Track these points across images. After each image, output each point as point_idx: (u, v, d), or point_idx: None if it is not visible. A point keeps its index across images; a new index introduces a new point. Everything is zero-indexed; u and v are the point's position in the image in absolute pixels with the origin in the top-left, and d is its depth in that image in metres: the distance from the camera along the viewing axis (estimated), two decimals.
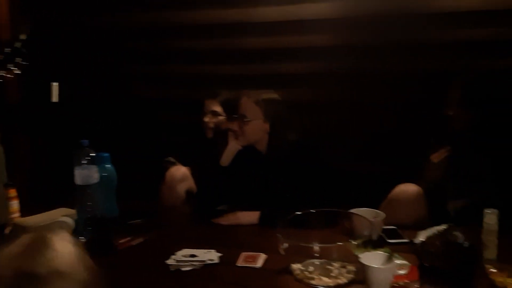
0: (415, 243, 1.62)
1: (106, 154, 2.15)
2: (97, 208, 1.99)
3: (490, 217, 1.64)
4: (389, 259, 1.45)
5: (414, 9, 2.53)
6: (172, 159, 2.63)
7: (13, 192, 2.11)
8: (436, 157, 2.18)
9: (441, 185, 2.16)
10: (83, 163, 1.98)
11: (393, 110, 2.64)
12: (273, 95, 2.28)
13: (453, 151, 2.18)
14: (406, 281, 1.50)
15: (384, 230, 1.90)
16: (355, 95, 2.70)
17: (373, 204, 2.04)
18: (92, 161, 2.00)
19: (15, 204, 2.10)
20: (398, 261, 1.53)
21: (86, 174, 1.98)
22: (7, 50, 2.09)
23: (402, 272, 1.50)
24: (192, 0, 2.89)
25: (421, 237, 1.58)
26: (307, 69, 2.74)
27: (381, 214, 1.88)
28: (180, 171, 2.48)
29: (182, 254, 1.81)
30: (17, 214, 2.09)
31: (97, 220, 1.94)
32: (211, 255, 1.79)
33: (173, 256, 1.79)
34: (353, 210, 1.89)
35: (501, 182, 2.03)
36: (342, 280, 1.56)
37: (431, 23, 2.52)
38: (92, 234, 1.92)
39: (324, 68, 2.70)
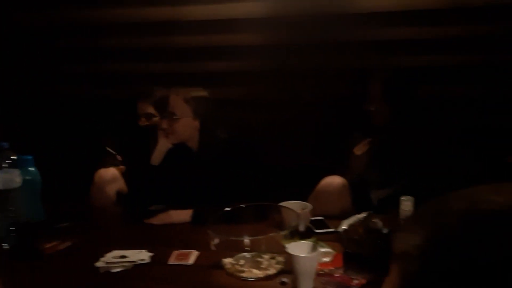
0: (339, 232, 1.70)
1: (29, 157, 2.07)
2: (20, 213, 1.91)
3: (406, 204, 1.75)
4: (314, 248, 1.51)
5: (338, 9, 2.63)
6: (110, 150, 2.57)
7: None
8: (358, 150, 2.29)
9: (364, 176, 2.27)
10: (4, 167, 1.90)
11: (320, 106, 2.73)
12: (202, 92, 2.29)
13: (374, 144, 2.30)
14: (331, 268, 1.56)
15: (312, 221, 1.97)
16: (283, 92, 2.77)
17: (304, 196, 2.12)
18: (13, 165, 1.92)
19: None
20: (323, 250, 1.60)
21: (7, 178, 1.90)
22: None
23: (326, 259, 1.57)
24: None
25: (344, 225, 1.66)
26: (237, 67, 2.78)
27: (308, 206, 1.95)
28: (109, 172, 2.43)
29: (112, 255, 1.78)
30: None
31: (21, 226, 1.87)
32: (142, 255, 1.78)
33: (102, 258, 1.76)
34: (282, 203, 1.94)
35: (418, 172, 2.16)
36: (272, 271, 1.60)
37: (354, 22, 2.63)
38: (16, 240, 1.85)
39: (253, 66, 2.75)
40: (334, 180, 2.19)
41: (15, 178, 1.91)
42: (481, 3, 2.43)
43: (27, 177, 2.01)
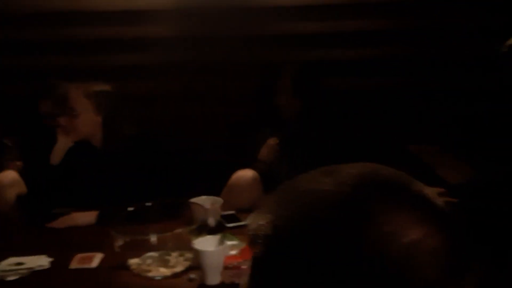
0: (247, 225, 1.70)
1: None
2: None
3: None
4: (221, 242, 1.50)
5: (245, 3, 2.63)
6: (8, 142, 2.38)
7: None
8: (269, 144, 2.32)
9: (275, 169, 2.30)
10: None
11: (230, 100, 2.72)
12: (105, 87, 2.18)
13: (284, 138, 2.34)
14: (240, 260, 1.56)
15: (224, 216, 1.95)
16: (193, 86, 2.72)
17: (218, 191, 2.10)
18: None
19: None
20: (230, 243, 1.59)
21: None
22: None
23: (234, 252, 1.56)
24: None
25: (251, 219, 1.65)
26: (144, 60, 2.68)
27: (218, 201, 1.93)
28: (8, 176, 2.25)
29: (7, 263, 1.66)
30: None
31: None
32: (40, 261, 1.67)
33: None
34: (192, 199, 1.91)
35: (327, 164, 2.22)
36: (179, 268, 1.57)
37: (262, 16, 2.64)
38: None
39: (160, 60, 2.66)
40: (245, 174, 2.19)
41: None
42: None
43: None
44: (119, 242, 1.59)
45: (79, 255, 1.71)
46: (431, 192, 0.50)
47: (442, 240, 0.46)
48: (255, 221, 0.50)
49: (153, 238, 1.62)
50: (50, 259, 1.68)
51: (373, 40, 2.62)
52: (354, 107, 2.57)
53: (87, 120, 2.11)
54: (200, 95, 2.72)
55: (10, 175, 2.27)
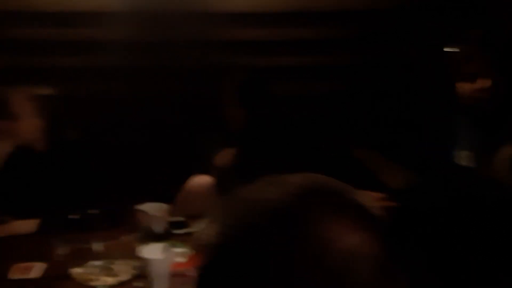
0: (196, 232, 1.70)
1: None
2: None
3: None
4: (167, 249, 1.48)
5: (191, 8, 2.62)
6: None
7: None
8: (226, 151, 2.30)
9: (230, 175, 2.29)
10: None
11: (177, 105, 2.69)
12: (48, 90, 2.11)
13: (235, 146, 2.33)
14: (187, 267, 1.55)
15: (172, 222, 1.93)
16: (139, 90, 2.67)
17: (171, 197, 2.07)
18: None
19: None
20: (178, 250, 1.58)
21: None
22: None
23: (181, 259, 1.55)
24: None
25: (199, 226, 1.66)
26: (88, 63, 2.60)
27: (164, 207, 1.90)
28: None
29: None
30: None
31: None
32: None
33: None
34: (140, 206, 1.87)
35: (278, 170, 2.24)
36: (124, 277, 1.54)
37: (207, 22, 2.64)
38: None
39: (106, 63, 2.60)
40: (200, 180, 2.18)
41: None
42: (326, 9, 2.62)
43: None
44: (61, 251, 1.54)
45: (18, 265, 1.64)
46: (368, 200, 0.53)
47: (377, 246, 0.48)
48: (203, 230, 0.51)
49: (97, 247, 1.59)
50: None
51: (315, 48, 2.68)
52: (298, 113, 2.62)
53: (28, 125, 2.02)
54: (146, 99, 2.67)
55: None
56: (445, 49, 1.74)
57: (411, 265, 0.53)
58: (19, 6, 2.53)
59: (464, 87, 1.65)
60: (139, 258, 1.50)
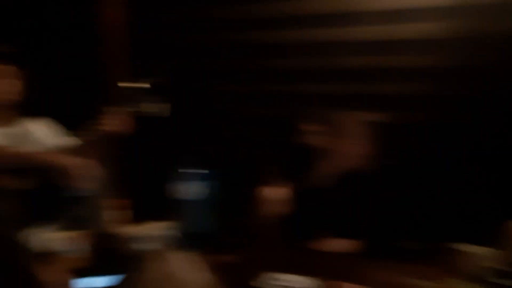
0: None
1: (210, 171, 2.18)
2: (196, 224, 2.02)
3: None
4: None
5: None
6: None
7: (123, 203, 2.22)
8: None
9: None
10: (187, 178, 2.04)
11: None
12: (377, 116, 2.17)
13: None
14: None
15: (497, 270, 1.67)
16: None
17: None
18: (195, 177, 2.05)
19: (123, 215, 2.21)
20: None
21: (189, 189, 2.03)
22: None
23: None
24: None
25: None
26: (419, 90, 2.56)
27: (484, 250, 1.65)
28: (278, 192, 2.42)
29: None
30: (125, 224, 2.20)
31: (195, 236, 1.98)
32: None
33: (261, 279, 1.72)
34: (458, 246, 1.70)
35: None
36: None
37: None
38: (191, 249, 1.96)
39: (429, 91, 2.50)
40: None
41: (199, 189, 2.04)
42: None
43: (207, 190, 2.13)
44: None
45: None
46: None
47: None
48: None
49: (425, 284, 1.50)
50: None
51: None
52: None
53: (357, 148, 2.10)
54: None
55: (280, 191, 2.43)
56: None
57: None
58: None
59: None
60: None
